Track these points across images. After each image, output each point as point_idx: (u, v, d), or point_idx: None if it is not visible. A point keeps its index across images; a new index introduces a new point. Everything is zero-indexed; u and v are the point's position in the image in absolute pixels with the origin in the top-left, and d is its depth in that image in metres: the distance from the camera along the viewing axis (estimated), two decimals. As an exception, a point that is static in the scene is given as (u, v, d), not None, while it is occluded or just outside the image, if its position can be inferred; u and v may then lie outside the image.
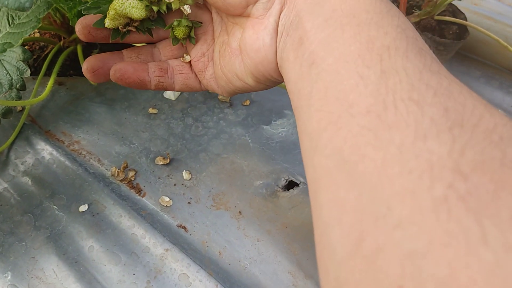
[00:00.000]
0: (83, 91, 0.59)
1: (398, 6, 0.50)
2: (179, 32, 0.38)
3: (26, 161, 0.53)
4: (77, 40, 0.61)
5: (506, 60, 0.58)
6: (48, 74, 0.58)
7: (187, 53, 0.41)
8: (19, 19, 0.38)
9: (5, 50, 0.38)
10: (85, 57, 0.58)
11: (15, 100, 0.50)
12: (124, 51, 0.41)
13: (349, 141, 0.23)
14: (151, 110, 0.57)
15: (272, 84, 0.37)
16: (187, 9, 0.36)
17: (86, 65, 0.39)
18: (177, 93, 0.57)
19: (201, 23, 0.39)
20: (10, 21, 0.38)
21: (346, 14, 0.28)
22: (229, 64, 0.37)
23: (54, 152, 0.53)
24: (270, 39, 0.33)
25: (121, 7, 0.35)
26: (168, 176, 0.51)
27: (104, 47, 0.66)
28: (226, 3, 0.34)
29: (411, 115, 0.22)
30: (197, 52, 0.41)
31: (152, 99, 0.58)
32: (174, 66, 0.41)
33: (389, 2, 0.29)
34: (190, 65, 0.41)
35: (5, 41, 0.38)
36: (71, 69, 0.62)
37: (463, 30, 0.53)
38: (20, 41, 0.38)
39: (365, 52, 0.26)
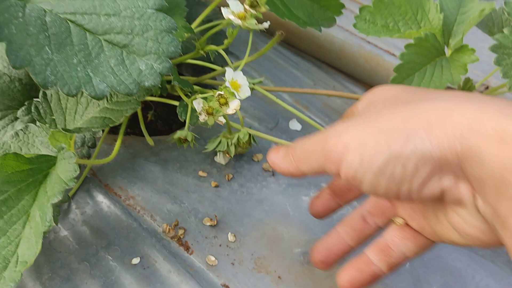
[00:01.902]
0: (139, 150, 0.65)
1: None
2: None
3: (86, 211, 0.58)
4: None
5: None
6: (110, 132, 0.65)
7: (398, 217, 0.41)
8: (117, 97, 0.45)
9: (105, 125, 0.44)
10: (143, 118, 0.65)
11: (85, 155, 0.56)
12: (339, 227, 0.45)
13: None
14: (201, 173, 0.62)
15: None
16: None
17: (314, 257, 0.45)
18: (227, 158, 0.63)
19: None
20: (109, 98, 0.45)
21: None
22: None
23: (112, 206, 0.58)
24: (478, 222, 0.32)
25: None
26: (215, 237, 0.56)
27: (159, 108, 0.73)
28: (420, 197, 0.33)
29: None
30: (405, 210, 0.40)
31: (202, 163, 0.64)
32: (392, 237, 0.40)
33: None
34: (407, 225, 0.40)
35: (105, 116, 0.45)
36: (129, 128, 0.68)
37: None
38: (122, 119, 0.44)
39: None
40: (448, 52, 0.56)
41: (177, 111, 0.60)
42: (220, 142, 0.60)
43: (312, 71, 0.79)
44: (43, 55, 0.39)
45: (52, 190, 0.39)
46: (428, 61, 0.53)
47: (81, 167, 0.63)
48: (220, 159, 0.63)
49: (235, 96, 0.49)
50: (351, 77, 0.79)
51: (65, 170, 0.41)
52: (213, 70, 0.66)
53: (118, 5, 0.43)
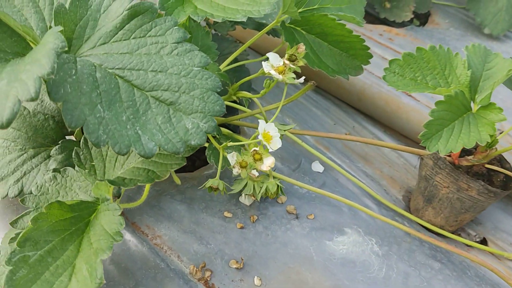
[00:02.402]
0: (165, 188, 0.66)
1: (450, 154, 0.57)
2: None
3: (114, 250, 0.59)
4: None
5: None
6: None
7: None
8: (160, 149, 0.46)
9: (151, 180, 0.45)
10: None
11: (115, 195, 0.57)
12: None
13: None
14: (226, 214, 0.63)
15: None
16: None
17: None
18: (251, 199, 0.64)
19: None
20: (153, 151, 0.46)
21: None
22: None
23: (139, 245, 0.59)
24: None
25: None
26: (241, 280, 0.57)
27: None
28: None
29: None
30: None
31: (227, 203, 0.65)
32: None
33: None
34: None
35: (149, 168, 0.46)
36: (154, 164, 0.69)
37: (509, 178, 0.61)
38: (167, 175, 0.45)
39: None
40: (474, 107, 0.57)
41: (206, 154, 0.62)
42: (246, 185, 0.61)
43: (331, 110, 0.81)
44: (96, 114, 0.40)
45: (99, 244, 0.40)
46: (456, 117, 0.55)
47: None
48: (245, 200, 0.64)
49: (269, 151, 0.50)
50: (371, 118, 0.81)
51: (110, 222, 0.42)
52: (238, 110, 0.67)
53: (165, 62, 0.44)
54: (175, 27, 0.46)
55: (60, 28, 0.39)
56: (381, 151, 0.76)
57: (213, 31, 0.77)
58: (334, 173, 0.70)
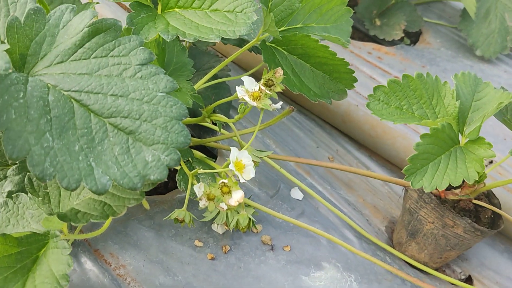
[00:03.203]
0: (133, 212, 0.62)
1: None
2: None
3: (72, 280, 0.54)
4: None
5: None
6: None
7: None
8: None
9: (106, 217, 0.41)
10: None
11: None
12: None
13: None
14: (197, 243, 0.59)
15: None
16: None
17: None
18: (224, 228, 0.60)
19: None
20: (110, 183, 0.42)
21: None
22: None
23: (101, 275, 0.55)
24: None
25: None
26: (208, 318, 0.53)
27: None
28: None
29: None
30: None
31: (199, 230, 0.61)
32: None
33: None
34: None
35: (105, 202, 0.42)
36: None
37: (497, 215, 0.57)
38: (124, 211, 0.41)
39: None
40: (462, 139, 0.54)
41: (176, 179, 0.58)
42: (219, 213, 0.57)
43: (315, 132, 0.77)
44: (43, 143, 0.36)
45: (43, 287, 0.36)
46: (442, 152, 0.51)
47: (72, 228, 0.59)
48: (217, 228, 0.60)
49: (239, 183, 0.46)
50: (355, 141, 0.77)
51: (58, 262, 0.38)
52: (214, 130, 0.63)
53: (127, 86, 0.40)
54: (140, 48, 0.42)
55: (6, 46, 0.35)
56: (365, 178, 0.72)
57: (193, 45, 0.73)
58: (314, 201, 0.66)
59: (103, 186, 0.36)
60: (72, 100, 0.39)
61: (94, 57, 0.41)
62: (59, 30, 0.42)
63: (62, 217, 0.40)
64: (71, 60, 0.41)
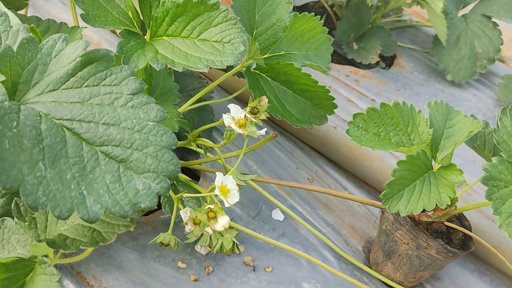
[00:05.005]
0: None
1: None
2: None
3: (55, 303, 0.54)
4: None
5: (499, 261, 0.66)
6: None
7: None
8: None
9: (95, 243, 0.42)
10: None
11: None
12: None
13: None
14: (180, 264, 0.60)
15: None
16: None
17: None
18: (207, 249, 0.61)
19: None
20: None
21: None
22: None
23: (84, 298, 0.55)
24: None
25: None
26: None
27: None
28: None
29: None
30: None
31: (182, 252, 0.62)
32: None
33: None
34: None
35: (96, 228, 0.42)
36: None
37: (468, 237, 0.61)
38: (113, 238, 0.42)
39: None
40: (435, 165, 0.57)
41: (161, 201, 0.59)
42: (202, 235, 0.58)
43: (295, 153, 0.80)
44: (36, 173, 0.37)
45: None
46: (417, 177, 0.54)
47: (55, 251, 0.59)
48: (200, 249, 0.61)
49: (224, 209, 0.48)
50: (334, 163, 0.80)
51: (46, 289, 0.39)
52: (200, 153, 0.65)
53: (119, 115, 0.42)
54: (132, 77, 0.43)
55: (2, 78, 0.36)
56: (343, 199, 0.74)
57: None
58: (294, 222, 0.68)
59: (95, 214, 0.37)
60: (64, 128, 0.40)
61: (86, 86, 0.43)
62: (51, 59, 0.43)
63: (51, 243, 0.41)
64: (63, 89, 0.42)
